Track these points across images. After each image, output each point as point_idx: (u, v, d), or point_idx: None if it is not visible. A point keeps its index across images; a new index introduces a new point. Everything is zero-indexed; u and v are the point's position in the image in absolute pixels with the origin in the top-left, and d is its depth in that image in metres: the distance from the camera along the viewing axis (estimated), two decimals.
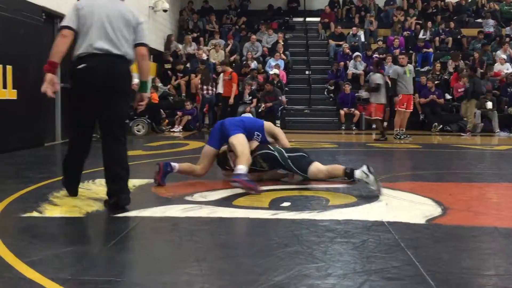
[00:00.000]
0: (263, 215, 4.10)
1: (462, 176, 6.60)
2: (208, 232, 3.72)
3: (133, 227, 3.76)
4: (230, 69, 13.53)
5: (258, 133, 5.66)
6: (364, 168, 5.01)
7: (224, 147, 5.61)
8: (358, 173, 5.05)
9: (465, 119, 13.71)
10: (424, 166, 7.69)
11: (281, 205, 4.50)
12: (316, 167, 5.42)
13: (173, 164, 5.49)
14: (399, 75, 11.68)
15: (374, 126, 13.45)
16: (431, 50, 17.12)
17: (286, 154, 5.47)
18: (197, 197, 4.82)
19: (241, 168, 5.01)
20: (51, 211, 4.18)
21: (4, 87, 8.07)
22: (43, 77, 8.57)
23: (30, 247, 3.22)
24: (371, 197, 4.89)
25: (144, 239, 3.55)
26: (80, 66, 4.30)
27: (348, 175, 5.19)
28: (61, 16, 10.10)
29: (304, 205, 4.50)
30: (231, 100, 13.37)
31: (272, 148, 5.55)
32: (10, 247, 3.14)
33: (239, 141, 5.27)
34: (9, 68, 8.16)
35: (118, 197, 4.18)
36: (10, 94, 8.23)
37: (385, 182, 5.68)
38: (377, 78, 12.12)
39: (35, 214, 4.08)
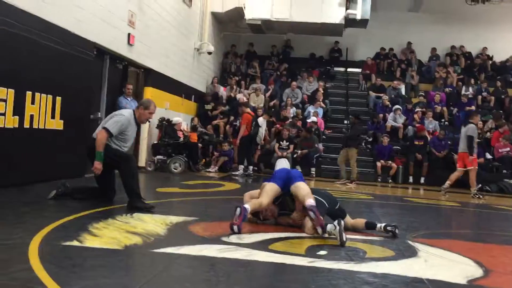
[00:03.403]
0: (300, 262, 4.07)
1: (502, 238, 6.42)
2: (245, 274, 3.71)
3: (170, 264, 3.77)
4: (247, 110, 13.68)
5: None
6: (335, 222, 4.96)
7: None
8: (329, 227, 5.00)
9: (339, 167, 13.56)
10: (463, 225, 7.53)
11: (317, 253, 4.46)
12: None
13: (246, 206, 5.29)
14: (475, 134, 11.70)
15: None
16: (473, 107, 16.95)
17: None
18: (233, 238, 4.83)
19: (312, 201, 5.22)
20: (91, 242, 4.24)
21: (52, 117, 8.32)
22: (89, 109, 9.33)
23: (71, 276, 3.27)
24: (409, 252, 4.81)
25: (182, 276, 3.55)
26: None
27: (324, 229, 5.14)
28: (110, 53, 10.51)
29: (341, 255, 4.45)
30: (237, 141, 13.52)
31: None
32: (52, 275, 3.19)
33: (304, 185, 5.56)
34: (58, 99, 8.43)
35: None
36: (57, 124, 8.47)
37: (423, 238, 5.60)
38: None
39: (75, 243, 4.15)
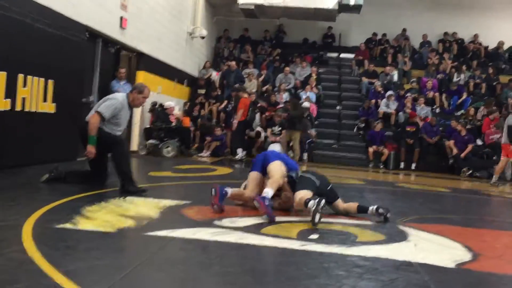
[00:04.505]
0: (292, 245, 4.12)
1: (492, 223, 6.51)
2: (237, 257, 3.75)
3: (163, 247, 3.81)
4: (245, 95, 13.61)
5: (291, 175, 5.78)
6: (317, 200, 4.96)
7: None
8: (311, 203, 4.98)
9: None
10: (453, 210, 7.61)
11: (309, 237, 4.51)
12: (300, 194, 5.36)
13: (226, 188, 5.52)
14: None
15: None
16: (464, 95, 17.03)
17: (300, 174, 5.76)
18: (226, 222, 4.87)
19: (267, 191, 5.27)
20: (84, 224, 4.27)
21: (45, 100, 8.29)
22: (81, 93, 9.21)
23: (65, 257, 3.30)
24: (399, 236, 4.87)
25: (175, 259, 3.59)
26: None
27: (306, 204, 5.08)
28: (103, 36, 10.45)
29: (332, 239, 4.50)
30: (234, 126, 13.49)
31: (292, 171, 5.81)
32: (46, 256, 3.22)
33: (276, 167, 5.66)
34: (50, 82, 8.39)
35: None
36: (50, 107, 8.44)
37: (413, 223, 5.67)
38: None
39: (68, 225, 4.17)
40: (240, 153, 13.39)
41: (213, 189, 5.42)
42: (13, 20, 7.39)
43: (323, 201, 5.01)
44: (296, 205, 5.36)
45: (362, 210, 5.75)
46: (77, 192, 5.83)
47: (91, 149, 6.24)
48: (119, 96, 6.59)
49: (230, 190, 5.57)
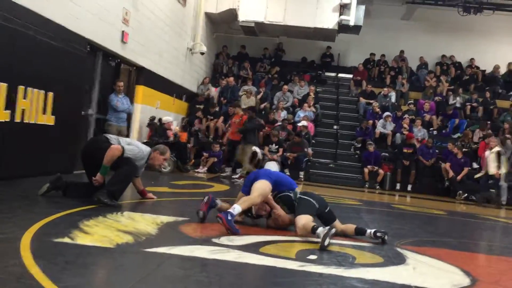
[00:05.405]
0: (290, 266, 4.10)
1: (488, 247, 6.51)
2: (237, 276, 3.73)
3: (162, 264, 3.78)
4: (241, 112, 13.43)
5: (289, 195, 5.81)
6: (327, 228, 5.03)
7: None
8: (320, 230, 4.99)
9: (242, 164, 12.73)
10: (449, 233, 7.61)
11: (307, 257, 4.49)
12: (301, 219, 5.36)
13: (217, 201, 5.73)
14: None
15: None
16: (457, 120, 17.12)
17: (299, 195, 5.76)
18: (224, 240, 4.84)
19: (235, 207, 5.28)
20: (82, 239, 4.24)
21: (44, 112, 8.28)
22: (80, 105, 9.20)
23: (64, 272, 3.27)
24: (397, 259, 4.86)
25: (174, 277, 3.56)
26: None
27: (313, 231, 5.09)
28: (103, 49, 10.48)
29: (331, 260, 4.49)
30: (224, 140, 13.24)
31: (290, 191, 5.83)
32: (45, 271, 3.19)
33: (259, 186, 5.62)
34: (50, 94, 8.39)
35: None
36: (48, 119, 8.43)
37: (411, 245, 5.66)
38: None
39: (67, 240, 4.14)
40: (240, 172, 13.18)
41: (206, 197, 5.67)
42: (16, 32, 7.41)
43: (334, 229, 5.04)
44: (298, 231, 5.32)
45: (359, 233, 5.73)
46: (75, 205, 5.79)
47: (100, 180, 6.25)
48: (146, 150, 6.71)
49: (219, 204, 5.80)
